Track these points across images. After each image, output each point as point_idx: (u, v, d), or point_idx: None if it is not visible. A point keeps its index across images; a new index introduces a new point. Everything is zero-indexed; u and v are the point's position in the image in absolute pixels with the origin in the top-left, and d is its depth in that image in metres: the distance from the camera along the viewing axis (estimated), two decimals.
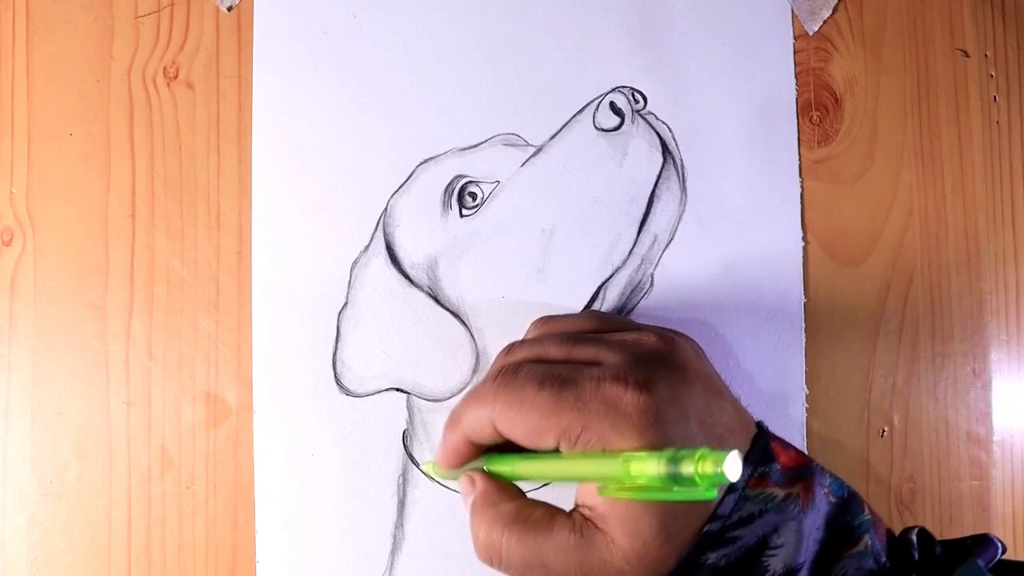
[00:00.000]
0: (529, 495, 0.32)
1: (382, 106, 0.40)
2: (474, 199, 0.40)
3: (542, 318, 0.37)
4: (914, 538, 0.31)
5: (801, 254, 0.42)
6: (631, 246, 0.40)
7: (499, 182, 0.40)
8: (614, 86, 0.41)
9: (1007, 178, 0.45)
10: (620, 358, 0.29)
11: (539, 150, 0.41)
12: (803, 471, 0.30)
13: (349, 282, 0.39)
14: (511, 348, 0.34)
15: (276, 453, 0.38)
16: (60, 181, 0.39)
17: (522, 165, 0.40)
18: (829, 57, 0.44)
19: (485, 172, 0.40)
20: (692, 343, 0.33)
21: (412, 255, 0.40)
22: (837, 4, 0.44)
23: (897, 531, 0.33)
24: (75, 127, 0.39)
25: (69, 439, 0.38)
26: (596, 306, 0.40)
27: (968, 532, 0.42)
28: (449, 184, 0.40)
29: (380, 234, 0.40)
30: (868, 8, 0.44)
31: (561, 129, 0.41)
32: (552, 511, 0.30)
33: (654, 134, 0.41)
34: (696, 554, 0.27)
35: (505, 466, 0.31)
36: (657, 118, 0.41)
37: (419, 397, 0.39)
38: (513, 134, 0.41)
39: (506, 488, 0.31)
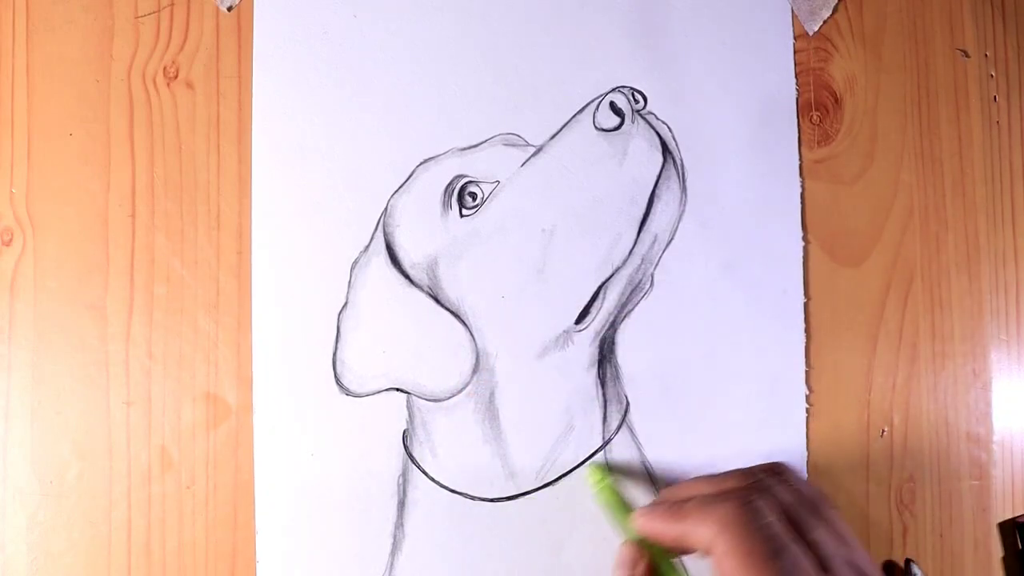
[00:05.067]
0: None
1: (382, 106, 0.40)
2: (474, 199, 0.40)
3: (782, 464, 0.37)
4: None
5: (801, 254, 0.42)
6: (631, 246, 0.40)
7: (499, 182, 0.40)
8: (614, 86, 0.41)
9: (1007, 178, 0.45)
10: None
11: (539, 150, 0.41)
12: None
13: (349, 282, 0.39)
14: (764, 480, 0.34)
15: (276, 453, 0.38)
16: (60, 181, 0.39)
17: (522, 165, 0.40)
18: (829, 57, 0.44)
19: (485, 172, 0.40)
20: None
21: (412, 255, 0.40)
22: (837, 4, 0.44)
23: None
24: (75, 127, 0.39)
25: (69, 439, 0.38)
26: (596, 306, 0.40)
27: (968, 532, 0.43)
28: (449, 184, 0.40)
29: (380, 234, 0.40)
30: (868, 8, 0.44)
31: (561, 129, 0.41)
32: None
33: (654, 134, 0.41)
34: None
35: None
36: (657, 118, 0.41)
37: (419, 397, 0.39)
38: (513, 134, 0.41)
39: None
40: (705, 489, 0.35)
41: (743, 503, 0.31)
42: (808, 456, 0.41)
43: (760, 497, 0.32)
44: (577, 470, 0.39)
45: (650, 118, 0.41)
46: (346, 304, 0.39)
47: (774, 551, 0.29)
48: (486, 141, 0.40)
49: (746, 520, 0.30)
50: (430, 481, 0.39)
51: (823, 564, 0.30)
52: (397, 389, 0.39)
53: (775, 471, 0.35)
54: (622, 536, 0.36)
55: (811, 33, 0.44)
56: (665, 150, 0.41)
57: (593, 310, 0.40)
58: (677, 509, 0.33)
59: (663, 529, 0.33)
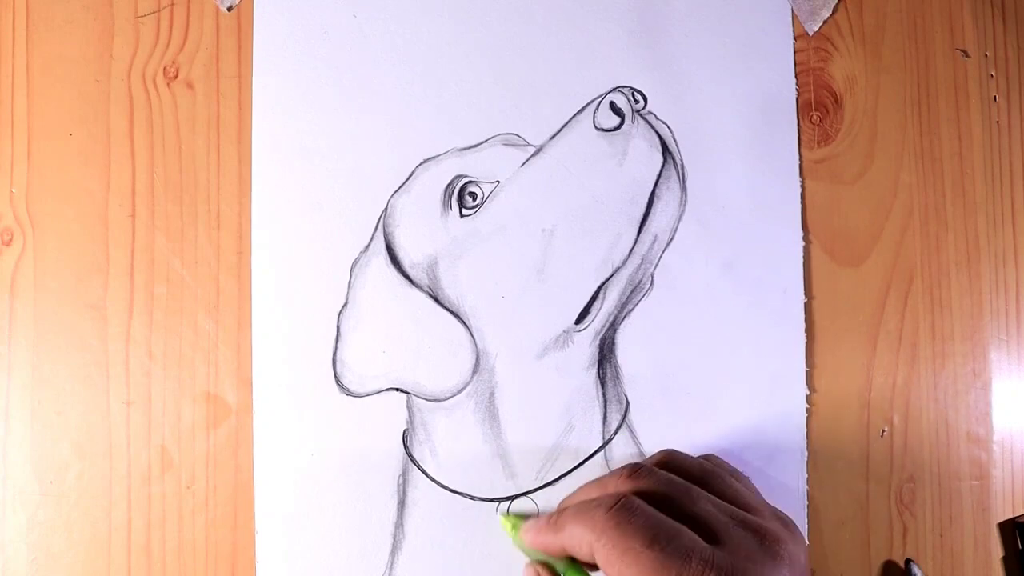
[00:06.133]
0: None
1: (382, 106, 0.40)
2: (474, 199, 0.40)
3: (668, 450, 0.37)
4: None
5: (801, 254, 0.42)
6: (631, 246, 0.40)
7: (499, 182, 0.40)
8: (614, 86, 0.41)
9: (1007, 178, 0.45)
10: (735, 547, 0.30)
11: (539, 150, 0.41)
12: None
13: (349, 282, 0.39)
14: (636, 471, 0.34)
15: (276, 453, 0.38)
16: (60, 181, 0.39)
17: (522, 165, 0.40)
18: (829, 57, 0.44)
19: (485, 172, 0.40)
20: (803, 540, 0.33)
21: (412, 255, 0.40)
22: (837, 4, 0.44)
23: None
24: (75, 127, 0.39)
25: (69, 439, 0.38)
26: (596, 306, 0.40)
27: (968, 532, 0.43)
28: (449, 184, 0.40)
29: (380, 234, 0.40)
30: (868, 8, 0.44)
31: (561, 129, 0.41)
32: None
33: (654, 134, 0.41)
34: None
35: None
36: (657, 118, 0.41)
37: (419, 397, 0.39)
38: (513, 134, 0.41)
39: None
40: (591, 494, 0.35)
41: (612, 504, 0.31)
42: (808, 456, 0.41)
43: (632, 492, 0.32)
44: (577, 470, 0.39)
45: (650, 118, 0.41)
46: (346, 304, 0.39)
47: (650, 539, 0.29)
48: (486, 141, 0.40)
49: (617, 520, 0.30)
50: (430, 481, 0.39)
51: (712, 533, 0.30)
52: (397, 389, 0.39)
53: (662, 460, 0.36)
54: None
55: (811, 33, 0.44)
56: (665, 150, 0.41)
57: (593, 310, 0.40)
58: (555, 521, 0.33)
59: (546, 542, 0.34)
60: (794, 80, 0.43)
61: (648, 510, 0.31)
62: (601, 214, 0.40)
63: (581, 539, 0.31)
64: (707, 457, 0.38)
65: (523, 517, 0.38)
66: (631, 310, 0.41)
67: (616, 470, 0.35)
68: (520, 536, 0.36)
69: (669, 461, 0.36)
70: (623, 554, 0.29)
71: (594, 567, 0.32)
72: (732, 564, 0.29)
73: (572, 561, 0.34)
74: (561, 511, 0.34)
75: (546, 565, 0.35)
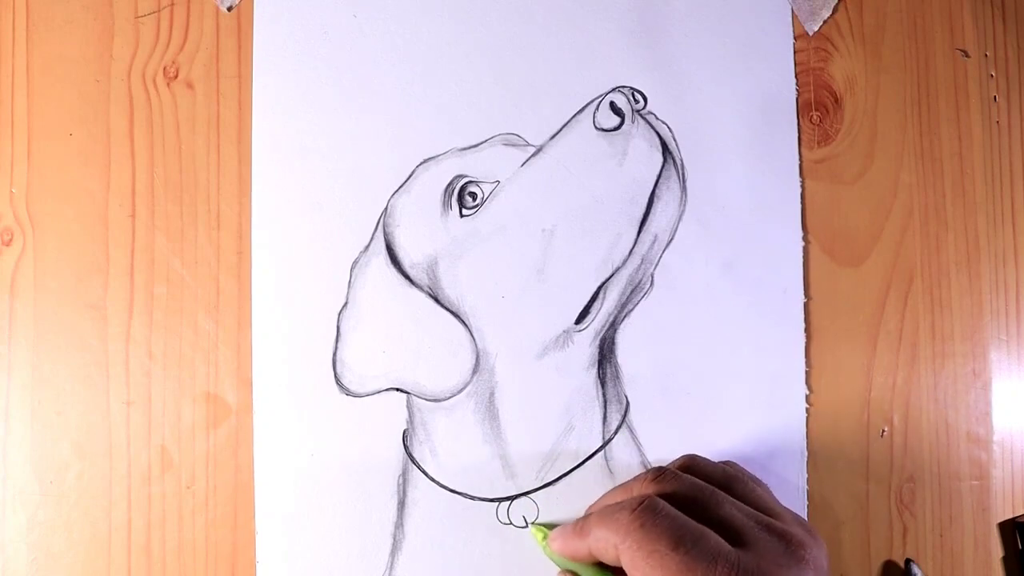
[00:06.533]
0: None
1: (382, 106, 0.40)
2: (474, 199, 0.40)
3: (690, 455, 0.38)
4: None
5: (801, 254, 0.42)
6: (631, 246, 0.40)
7: (499, 182, 0.40)
8: (614, 86, 0.41)
9: (1007, 178, 0.45)
10: (761, 551, 0.30)
11: (539, 150, 0.41)
12: None
13: (349, 282, 0.39)
14: (660, 475, 0.34)
15: (276, 453, 0.38)
16: (60, 181, 0.39)
17: (522, 165, 0.40)
18: (829, 57, 0.44)
19: (485, 172, 0.40)
20: (824, 546, 0.33)
21: (412, 255, 0.40)
22: (837, 4, 0.44)
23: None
24: (75, 127, 0.39)
25: (69, 439, 0.38)
26: (596, 306, 0.40)
27: (968, 532, 0.43)
28: (449, 184, 0.40)
29: (380, 234, 0.40)
30: (868, 8, 0.44)
31: (561, 129, 0.41)
32: None
33: (654, 134, 0.41)
34: None
35: None
36: (657, 118, 0.41)
37: (419, 397, 0.39)
38: (513, 134, 0.41)
39: None
40: (615, 498, 0.35)
41: (636, 506, 0.31)
42: (808, 456, 0.41)
43: (656, 495, 0.32)
44: (577, 470, 0.39)
45: (650, 118, 0.41)
46: (346, 304, 0.39)
47: (676, 540, 0.29)
48: (486, 141, 0.40)
49: (642, 521, 0.30)
50: (430, 481, 0.39)
51: (738, 536, 0.31)
52: (397, 389, 0.39)
53: (685, 465, 0.36)
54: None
55: (811, 33, 0.44)
56: (665, 150, 0.41)
57: (593, 310, 0.40)
58: (581, 526, 0.33)
59: (574, 548, 0.34)
60: (794, 80, 0.43)
61: (673, 512, 0.31)
62: (601, 214, 0.40)
63: (607, 542, 0.31)
64: (727, 463, 0.38)
65: (551, 526, 0.38)
66: (631, 310, 0.41)
67: (640, 474, 0.35)
68: (548, 544, 0.36)
69: (691, 466, 0.36)
70: (648, 555, 0.29)
71: (622, 572, 0.32)
72: (758, 567, 0.29)
73: (601, 567, 0.34)
74: (587, 516, 0.34)
75: (576, 574, 0.35)
